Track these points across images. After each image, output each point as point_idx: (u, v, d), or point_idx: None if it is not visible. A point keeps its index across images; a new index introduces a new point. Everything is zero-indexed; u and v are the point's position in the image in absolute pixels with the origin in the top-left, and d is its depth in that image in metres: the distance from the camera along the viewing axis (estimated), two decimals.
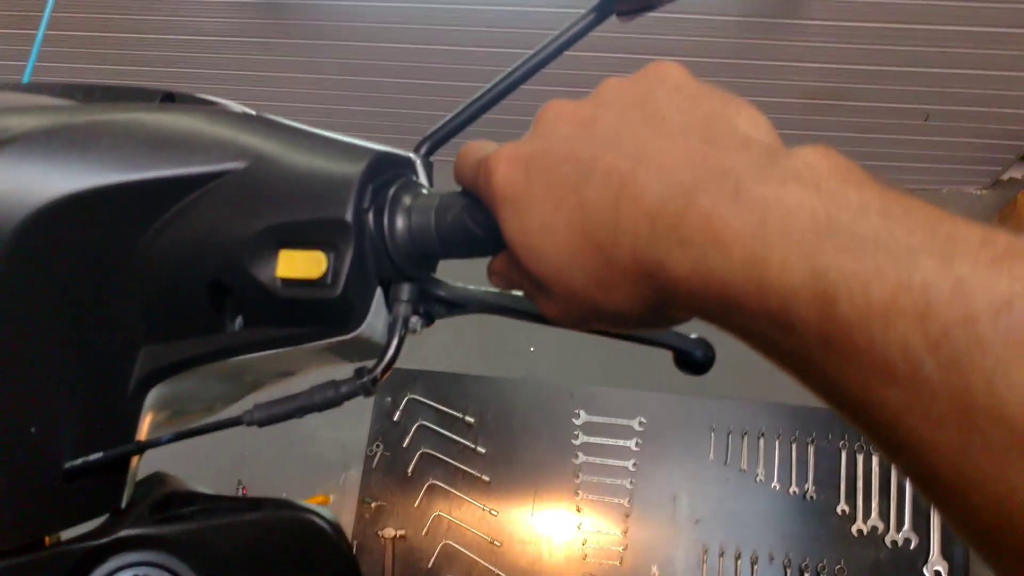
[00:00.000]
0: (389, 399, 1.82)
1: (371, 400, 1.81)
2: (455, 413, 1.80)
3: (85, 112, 0.48)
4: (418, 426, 1.79)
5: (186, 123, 0.46)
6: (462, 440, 1.78)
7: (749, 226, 0.25)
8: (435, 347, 1.85)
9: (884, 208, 0.24)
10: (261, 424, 0.44)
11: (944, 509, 0.23)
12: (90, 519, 0.50)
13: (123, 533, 0.49)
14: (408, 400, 1.81)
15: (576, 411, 1.79)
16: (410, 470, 1.77)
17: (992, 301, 0.21)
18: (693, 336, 0.43)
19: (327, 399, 0.43)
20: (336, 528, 0.55)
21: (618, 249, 0.30)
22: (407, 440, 1.79)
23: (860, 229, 0.24)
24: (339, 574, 0.55)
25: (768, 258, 0.24)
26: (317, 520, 0.54)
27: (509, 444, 1.80)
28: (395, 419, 1.80)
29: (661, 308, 0.31)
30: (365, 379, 0.41)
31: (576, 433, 1.78)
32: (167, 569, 0.49)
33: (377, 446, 1.80)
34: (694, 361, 0.43)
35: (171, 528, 0.51)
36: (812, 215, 0.24)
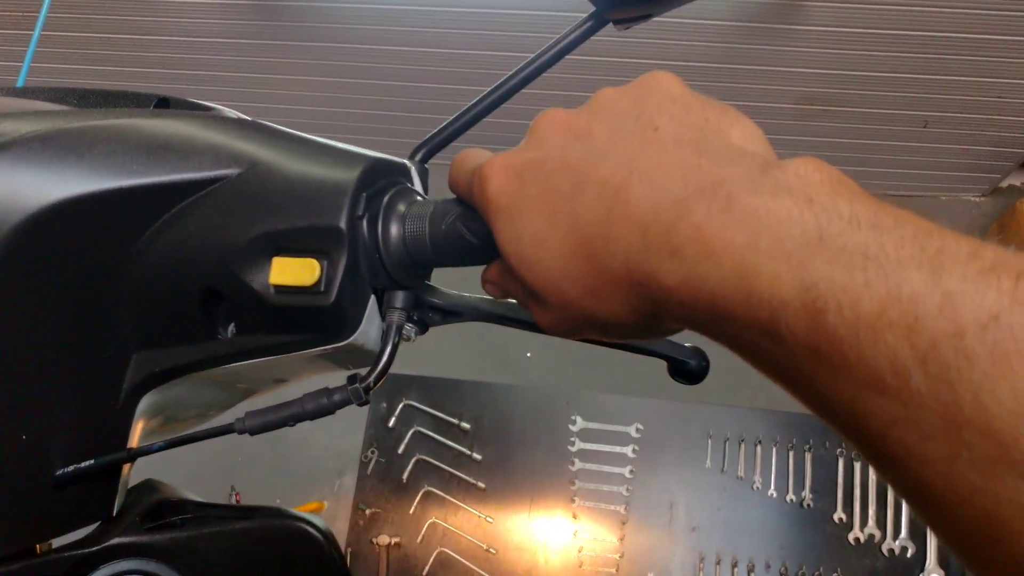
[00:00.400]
0: (384, 405, 1.81)
1: (366, 406, 1.80)
2: (451, 419, 1.79)
3: (80, 117, 0.48)
4: (413, 432, 1.79)
5: (180, 129, 0.46)
6: (458, 446, 1.78)
7: (740, 237, 0.25)
8: (431, 353, 1.85)
9: (874, 221, 0.24)
10: (253, 432, 0.44)
11: (932, 521, 0.23)
12: (81, 527, 0.49)
13: (114, 541, 0.49)
14: (403, 406, 1.81)
15: (573, 417, 1.79)
16: (405, 477, 1.77)
17: (979, 314, 0.21)
18: (687, 345, 0.42)
19: (320, 407, 0.42)
20: (328, 537, 0.55)
21: (611, 259, 0.30)
22: (402, 446, 1.78)
23: (850, 242, 0.24)
24: None
25: (758, 269, 0.25)
26: (309, 529, 0.54)
27: (505, 450, 1.79)
28: (390, 425, 1.80)
29: (653, 318, 0.31)
30: (358, 386, 0.41)
31: (572, 440, 1.78)
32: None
33: (372, 452, 1.79)
34: (688, 371, 0.43)
35: (162, 536, 0.51)
36: (803, 227, 0.25)
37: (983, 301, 0.21)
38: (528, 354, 1.81)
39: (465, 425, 1.79)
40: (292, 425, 0.43)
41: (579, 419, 1.78)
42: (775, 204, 0.25)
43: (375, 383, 0.41)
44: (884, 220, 0.24)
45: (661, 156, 0.30)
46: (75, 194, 0.43)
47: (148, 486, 0.57)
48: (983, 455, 0.20)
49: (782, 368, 0.25)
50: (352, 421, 1.85)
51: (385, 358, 0.42)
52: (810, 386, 0.25)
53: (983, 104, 2.44)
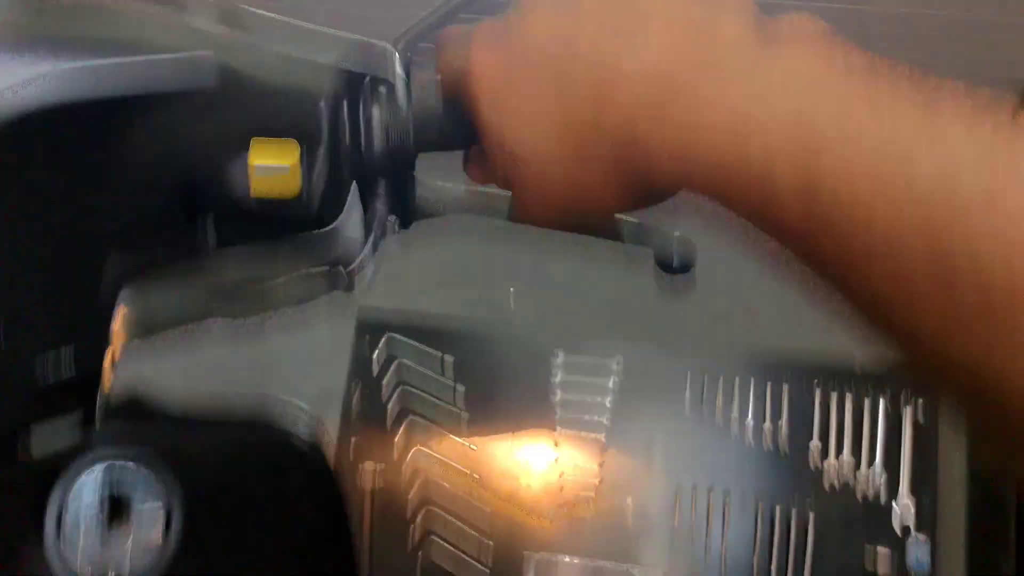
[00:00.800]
0: (368, 337, 1.81)
1: (350, 337, 1.81)
2: (434, 351, 1.80)
3: (52, 10, 0.46)
4: (397, 364, 1.80)
5: (155, 14, 0.44)
6: (442, 378, 1.80)
7: (734, 89, 0.25)
8: (415, 285, 1.84)
9: (870, 66, 0.24)
10: (236, 316, 0.44)
11: (928, 371, 0.24)
12: (60, 430, 0.49)
13: (94, 449, 0.49)
14: (387, 338, 1.81)
15: (555, 350, 1.80)
16: (389, 407, 1.79)
17: (975, 152, 0.21)
18: (676, 234, 0.42)
19: (304, 291, 0.42)
20: (315, 450, 0.54)
21: (599, 132, 0.29)
22: (386, 377, 1.79)
23: (845, 88, 0.24)
24: (318, 498, 0.55)
25: (753, 120, 0.25)
26: (295, 442, 0.54)
27: (488, 382, 1.81)
28: (374, 357, 1.80)
29: (643, 184, 0.30)
30: (342, 269, 0.41)
31: (555, 371, 1.79)
32: (143, 463, 0.48)
33: (355, 383, 1.80)
34: (674, 263, 0.42)
35: (141, 444, 0.50)
36: (798, 76, 0.24)
37: (978, 140, 0.21)
38: (512, 288, 1.82)
39: (448, 357, 1.79)
40: (276, 310, 0.43)
41: (562, 353, 1.79)
42: (770, 57, 0.25)
43: (358, 270, 0.41)
44: (879, 66, 0.24)
45: (652, 18, 0.29)
46: (47, 87, 0.41)
47: (129, 394, 0.57)
48: (974, 306, 0.20)
49: (775, 220, 0.26)
50: (336, 351, 1.86)
51: (368, 247, 0.42)
52: (802, 237, 0.25)
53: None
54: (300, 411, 0.53)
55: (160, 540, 0.45)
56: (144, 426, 0.53)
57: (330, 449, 0.48)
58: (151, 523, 0.46)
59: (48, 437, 0.48)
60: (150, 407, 0.54)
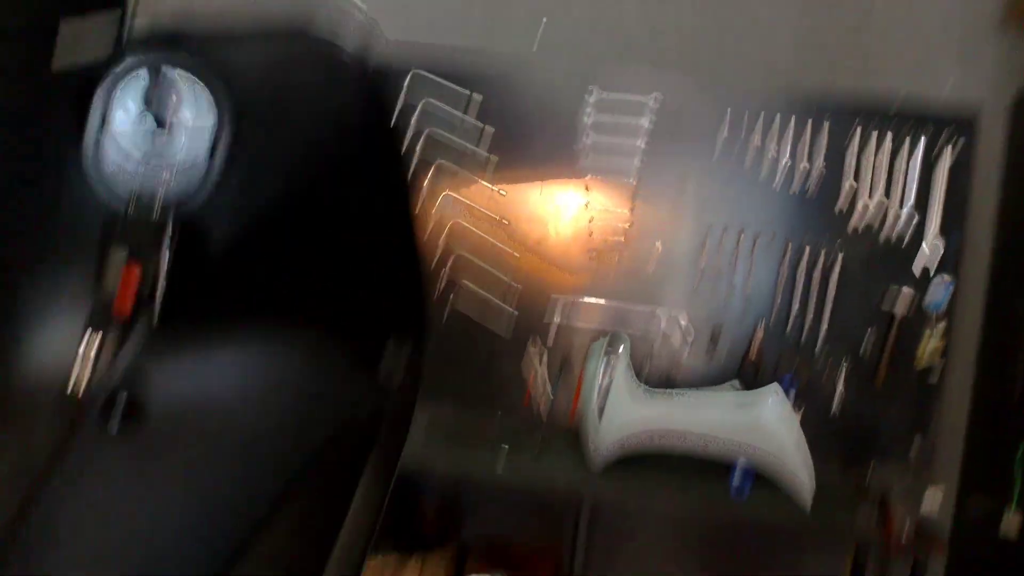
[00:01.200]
0: (390, 75, 1.74)
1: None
2: (462, 90, 1.74)
3: None
4: (424, 103, 1.74)
5: None
6: (469, 119, 1.75)
7: None
8: (440, 18, 1.75)
9: None
10: None
11: None
12: (91, 38, 0.46)
13: (131, 54, 0.45)
14: (412, 76, 1.74)
15: (589, 87, 1.73)
16: (417, 149, 1.76)
17: None
18: None
19: None
20: (362, 63, 0.51)
21: None
22: (413, 118, 1.75)
23: None
24: (367, 115, 0.53)
25: None
26: (342, 55, 0.51)
27: (518, 123, 1.76)
28: (400, 96, 1.74)
29: None
30: None
31: (588, 111, 1.73)
32: (190, 70, 0.45)
33: None
34: None
35: (182, 52, 0.47)
36: None
37: None
38: (544, 19, 1.71)
39: (477, 96, 1.73)
40: None
41: (595, 90, 1.72)
42: None
43: None
44: None
45: None
46: None
47: (162, 23, 0.53)
48: None
49: None
50: None
51: None
52: None
53: None
54: (355, 10, 0.49)
55: (207, 157, 0.43)
56: (181, 36, 0.49)
57: (378, 57, 0.45)
58: (198, 137, 0.43)
59: (78, 38, 0.44)
60: (186, 17, 0.51)
